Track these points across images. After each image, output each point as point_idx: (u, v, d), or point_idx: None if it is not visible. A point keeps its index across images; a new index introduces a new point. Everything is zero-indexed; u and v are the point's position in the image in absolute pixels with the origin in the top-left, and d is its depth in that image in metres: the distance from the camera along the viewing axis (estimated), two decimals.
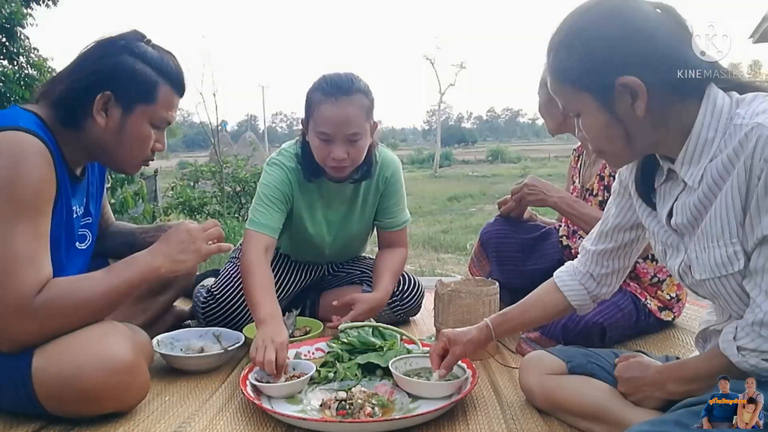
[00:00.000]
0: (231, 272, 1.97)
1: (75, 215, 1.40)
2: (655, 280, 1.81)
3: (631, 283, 1.81)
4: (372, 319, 1.74)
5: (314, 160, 1.77)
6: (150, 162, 1.44)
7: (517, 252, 1.99)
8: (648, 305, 1.80)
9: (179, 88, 1.40)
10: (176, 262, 1.37)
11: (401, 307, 2.03)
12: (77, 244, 1.42)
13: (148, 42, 1.38)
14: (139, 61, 1.32)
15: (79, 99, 1.29)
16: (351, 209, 1.97)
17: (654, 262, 1.80)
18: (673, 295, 1.84)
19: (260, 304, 1.59)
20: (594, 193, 1.87)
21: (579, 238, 1.89)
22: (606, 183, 1.82)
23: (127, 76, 1.31)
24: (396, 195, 1.97)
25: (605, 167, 1.83)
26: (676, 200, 1.05)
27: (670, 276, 1.81)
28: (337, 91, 1.66)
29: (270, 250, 1.77)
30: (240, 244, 2.15)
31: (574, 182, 2.01)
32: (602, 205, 1.78)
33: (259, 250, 1.73)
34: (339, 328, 1.65)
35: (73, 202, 1.37)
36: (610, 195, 1.28)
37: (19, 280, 1.15)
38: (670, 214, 1.06)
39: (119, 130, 1.33)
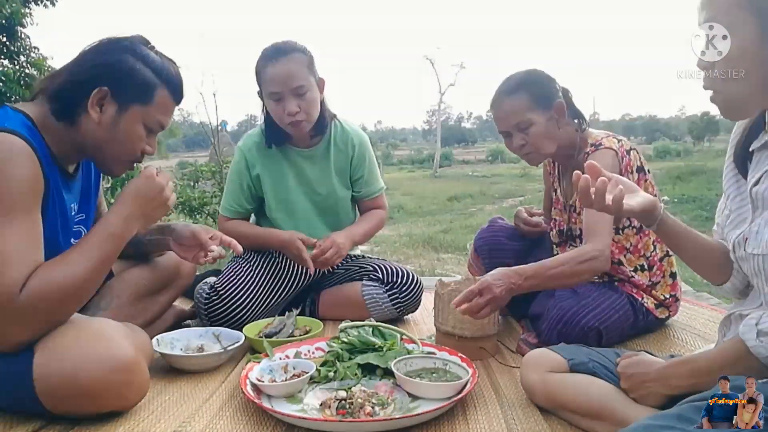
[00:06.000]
0: (235, 270, 1.98)
1: (71, 212, 1.40)
2: (649, 283, 1.81)
3: (626, 285, 1.80)
4: (372, 319, 1.75)
5: (276, 127, 1.97)
6: (137, 164, 1.45)
7: (510, 259, 1.97)
8: (645, 304, 1.79)
9: (177, 95, 1.42)
10: (148, 217, 1.36)
11: (401, 300, 2.05)
12: (72, 241, 1.41)
13: (152, 48, 1.40)
14: (140, 62, 1.35)
15: (76, 92, 1.30)
16: (325, 172, 2.09)
17: (645, 272, 1.79)
18: (668, 295, 1.83)
19: (272, 232, 2.04)
20: (578, 211, 1.81)
21: (569, 246, 1.87)
22: None
23: (126, 75, 1.32)
24: (367, 164, 2.14)
25: None
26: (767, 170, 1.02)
27: (663, 278, 1.81)
28: (276, 53, 1.89)
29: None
30: None
31: (555, 192, 1.94)
32: None
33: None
34: (339, 327, 1.65)
35: (67, 200, 1.37)
36: None
37: (4, 280, 1.14)
38: (756, 184, 1.03)
39: (112, 127, 1.33)
